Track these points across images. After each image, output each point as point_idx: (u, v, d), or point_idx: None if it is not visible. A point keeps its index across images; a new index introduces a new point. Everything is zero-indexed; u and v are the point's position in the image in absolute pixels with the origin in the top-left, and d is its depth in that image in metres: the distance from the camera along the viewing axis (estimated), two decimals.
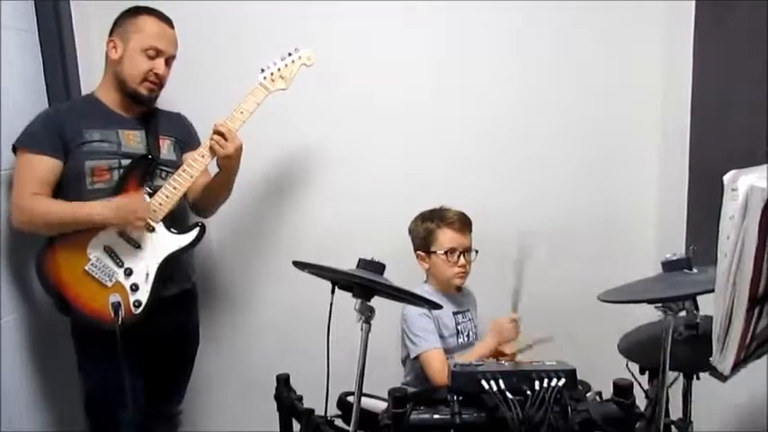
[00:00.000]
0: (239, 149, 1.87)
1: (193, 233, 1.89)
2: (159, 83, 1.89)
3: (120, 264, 1.80)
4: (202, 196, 2.01)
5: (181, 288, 2.00)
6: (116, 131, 1.86)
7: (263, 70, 1.91)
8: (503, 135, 2.35)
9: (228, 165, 1.90)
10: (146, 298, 1.81)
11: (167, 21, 1.90)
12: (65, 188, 1.81)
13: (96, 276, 1.79)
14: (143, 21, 1.86)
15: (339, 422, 1.63)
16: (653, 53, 2.31)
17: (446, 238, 2.01)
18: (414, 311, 1.98)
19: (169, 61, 1.90)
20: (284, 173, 2.34)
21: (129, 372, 1.68)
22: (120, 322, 1.67)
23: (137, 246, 1.82)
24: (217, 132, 1.85)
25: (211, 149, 1.86)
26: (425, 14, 2.27)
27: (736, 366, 0.96)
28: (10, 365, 1.87)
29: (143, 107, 1.92)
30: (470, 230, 2.07)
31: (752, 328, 0.92)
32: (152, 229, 1.83)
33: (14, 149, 1.81)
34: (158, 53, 1.86)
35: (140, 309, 1.80)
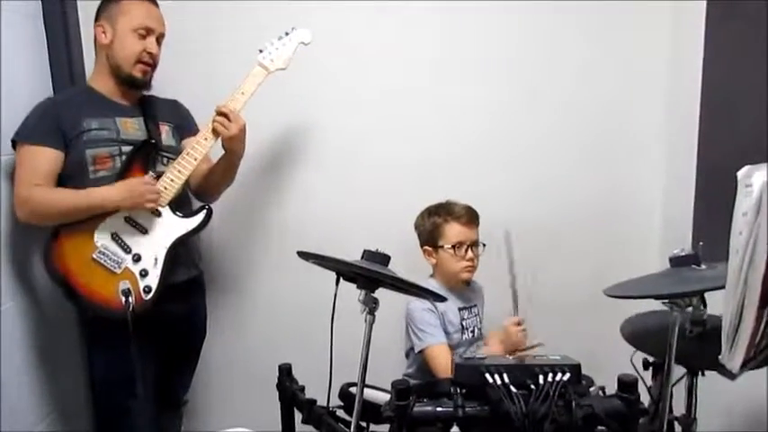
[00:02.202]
0: (243, 129, 1.87)
1: (200, 216, 1.88)
2: (153, 63, 1.88)
3: (127, 250, 1.79)
4: (206, 181, 2.00)
5: (189, 275, 2.00)
6: (113, 119, 1.84)
7: (260, 51, 1.90)
8: (508, 126, 2.34)
9: (233, 146, 1.89)
10: (156, 283, 1.80)
11: (151, 3, 1.89)
12: (67, 179, 1.79)
13: (104, 264, 1.77)
14: (128, 1, 1.84)
15: (341, 413, 1.63)
16: (662, 44, 2.29)
17: (453, 232, 2.00)
18: (418, 306, 1.97)
19: (159, 40, 1.89)
20: (288, 163, 2.33)
21: (139, 360, 1.67)
22: (130, 309, 1.66)
23: (144, 231, 1.81)
24: (219, 113, 1.84)
25: (215, 131, 1.85)
26: (429, 5, 2.25)
27: (745, 364, 0.95)
28: (9, 354, 1.86)
29: (139, 91, 1.91)
30: (477, 224, 2.05)
31: (762, 326, 0.91)
32: (158, 214, 1.83)
33: (14, 144, 1.79)
34: (149, 32, 1.85)
35: (150, 294, 1.79)
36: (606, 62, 2.31)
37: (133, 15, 1.83)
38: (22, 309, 1.93)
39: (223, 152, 1.94)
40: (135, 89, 1.90)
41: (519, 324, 1.93)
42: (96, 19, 1.86)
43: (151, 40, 1.85)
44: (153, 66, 1.88)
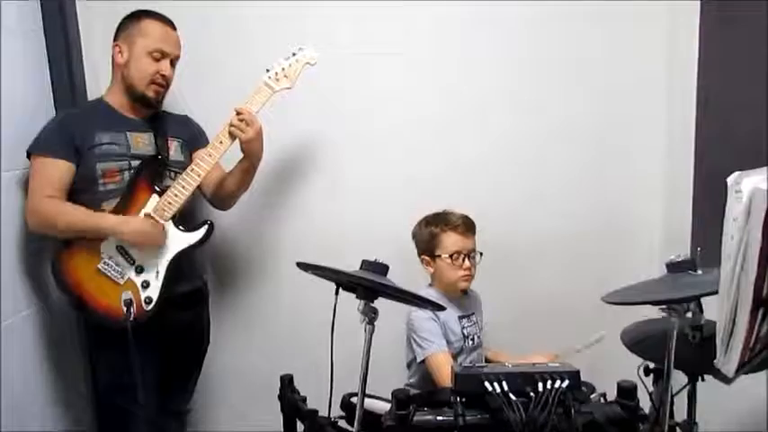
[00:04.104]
0: (260, 132, 1.91)
1: (202, 231, 1.91)
2: (166, 84, 1.93)
3: (131, 262, 1.84)
4: (222, 188, 2.05)
5: (192, 286, 2.05)
6: (125, 134, 1.90)
7: (267, 70, 1.93)
8: (506, 136, 2.35)
9: (251, 148, 1.93)
10: (156, 295, 1.84)
11: (170, 23, 1.94)
12: (77, 191, 1.85)
13: (109, 274, 1.83)
14: (146, 24, 1.90)
15: (343, 423, 1.63)
16: (658, 53, 2.30)
17: (450, 241, 2.01)
18: (420, 315, 1.98)
19: (174, 62, 1.95)
20: (287, 174, 2.35)
21: (141, 368, 1.71)
22: (131, 319, 1.70)
23: None
24: (237, 114, 1.88)
25: (231, 135, 1.89)
26: (427, 17, 2.27)
27: (741, 368, 0.96)
28: (24, 360, 1.90)
29: (151, 109, 1.97)
30: (474, 233, 2.06)
31: (756, 330, 0.92)
32: (162, 228, 1.86)
33: (29, 155, 1.84)
34: (164, 55, 1.90)
35: (151, 305, 1.83)
36: (606, 74, 2.32)
37: (151, 38, 1.89)
38: (39, 316, 1.97)
39: (239, 160, 1.98)
40: (147, 107, 1.95)
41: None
42: (115, 38, 1.92)
43: (165, 62, 1.91)
44: (165, 87, 1.94)
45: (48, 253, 1.91)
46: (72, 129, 1.84)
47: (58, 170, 1.81)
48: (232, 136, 1.89)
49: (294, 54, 1.95)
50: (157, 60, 1.89)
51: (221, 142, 1.89)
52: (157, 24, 1.91)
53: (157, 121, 1.98)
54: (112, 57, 1.92)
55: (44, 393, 2.00)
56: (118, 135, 1.88)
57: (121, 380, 1.77)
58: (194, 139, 2.07)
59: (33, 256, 1.94)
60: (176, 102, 2.09)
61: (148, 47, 1.88)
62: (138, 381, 1.71)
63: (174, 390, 2.12)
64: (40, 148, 1.83)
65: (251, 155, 1.95)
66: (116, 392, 1.88)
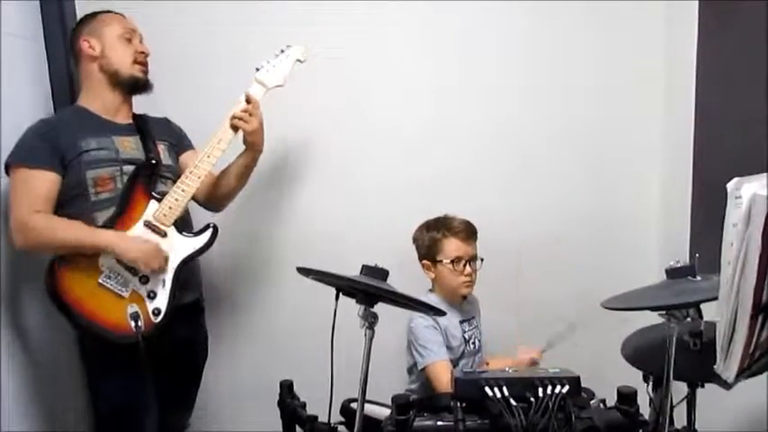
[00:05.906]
0: (263, 123, 1.92)
1: (206, 234, 1.85)
2: (146, 62, 1.91)
3: (134, 272, 1.74)
4: (218, 187, 2.02)
5: (194, 296, 1.99)
6: (110, 138, 1.81)
7: (257, 69, 1.93)
8: (505, 141, 2.36)
9: (255, 140, 1.93)
10: (165, 305, 1.76)
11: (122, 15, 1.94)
12: (67, 202, 1.75)
13: (111, 288, 1.72)
14: (105, 16, 1.89)
15: (342, 429, 1.63)
16: (656, 60, 2.32)
17: (452, 247, 2.02)
18: (420, 324, 1.98)
19: (141, 41, 1.93)
20: (287, 178, 2.35)
21: (144, 387, 1.65)
22: (140, 333, 1.62)
23: None
24: (247, 101, 1.88)
25: (234, 127, 1.87)
26: (426, 16, 2.28)
27: (740, 374, 0.96)
28: (8, 383, 1.81)
29: (142, 92, 1.91)
30: (476, 239, 2.07)
31: (755, 336, 0.92)
32: (164, 234, 1.79)
33: (7, 168, 1.73)
34: (132, 35, 1.89)
35: (160, 317, 1.75)
36: (605, 80, 2.34)
37: (114, 25, 1.87)
38: (18, 341, 1.88)
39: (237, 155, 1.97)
40: (138, 91, 1.90)
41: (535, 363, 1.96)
42: (78, 36, 1.86)
43: (137, 41, 1.89)
44: (147, 65, 1.91)
45: (32, 273, 1.79)
46: (55, 137, 1.73)
47: (44, 181, 1.70)
48: (234, 129, 1.87)
49: (283, 51, 1.95)
50: (130, 41, 1.87)
51: (220, 141, 1.86)
52: (114, 14, 1.90)
53: (141, 124, 1.91)
54: (79, 56, 1.86)
55: (33, 417, 1.92)
56: (104, 139, 1.79)
57: (127, 400, 1.71)
58: (180, 141, 2.03)
59: (10, 276, 1.83)
60: (163, 104, 2.05)
61: (118, 31, 1.86)
62: (151, 399, 1.65)
63: (174, 406, 2.01)
64: (21, 158, 1.71)
65: (254, 147, 1.94)
66: (122, 413, 1.79)
